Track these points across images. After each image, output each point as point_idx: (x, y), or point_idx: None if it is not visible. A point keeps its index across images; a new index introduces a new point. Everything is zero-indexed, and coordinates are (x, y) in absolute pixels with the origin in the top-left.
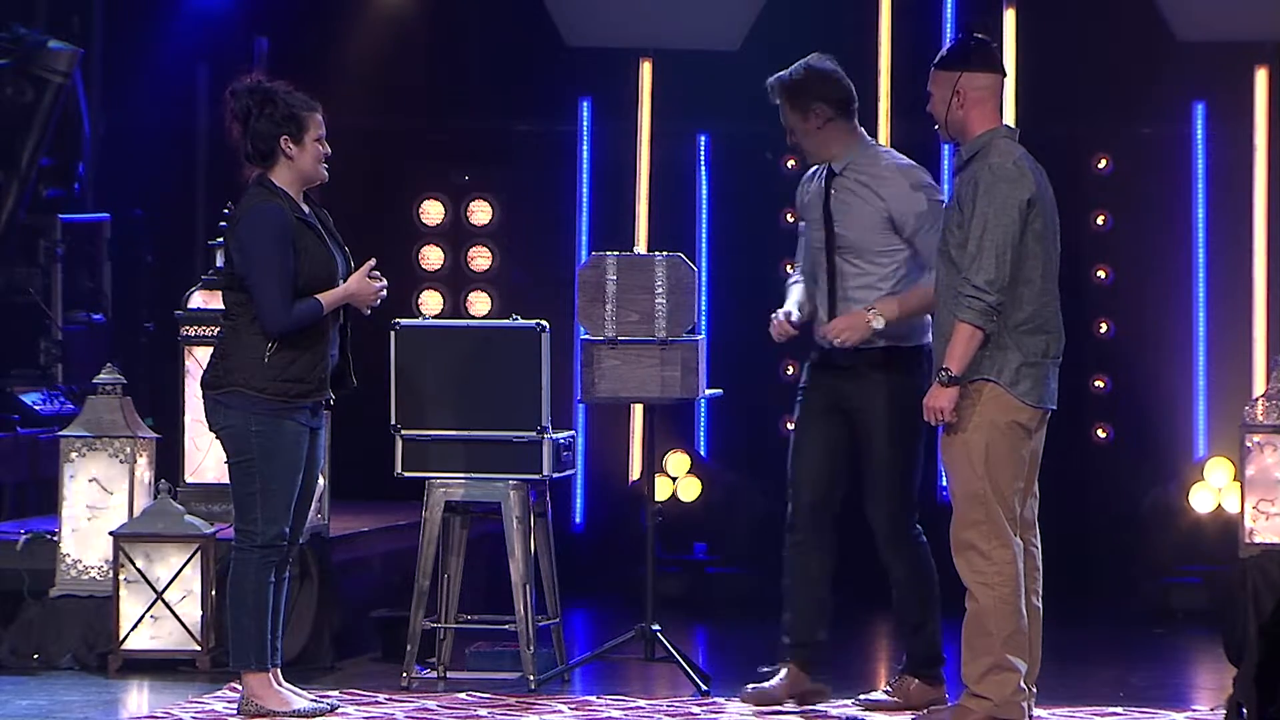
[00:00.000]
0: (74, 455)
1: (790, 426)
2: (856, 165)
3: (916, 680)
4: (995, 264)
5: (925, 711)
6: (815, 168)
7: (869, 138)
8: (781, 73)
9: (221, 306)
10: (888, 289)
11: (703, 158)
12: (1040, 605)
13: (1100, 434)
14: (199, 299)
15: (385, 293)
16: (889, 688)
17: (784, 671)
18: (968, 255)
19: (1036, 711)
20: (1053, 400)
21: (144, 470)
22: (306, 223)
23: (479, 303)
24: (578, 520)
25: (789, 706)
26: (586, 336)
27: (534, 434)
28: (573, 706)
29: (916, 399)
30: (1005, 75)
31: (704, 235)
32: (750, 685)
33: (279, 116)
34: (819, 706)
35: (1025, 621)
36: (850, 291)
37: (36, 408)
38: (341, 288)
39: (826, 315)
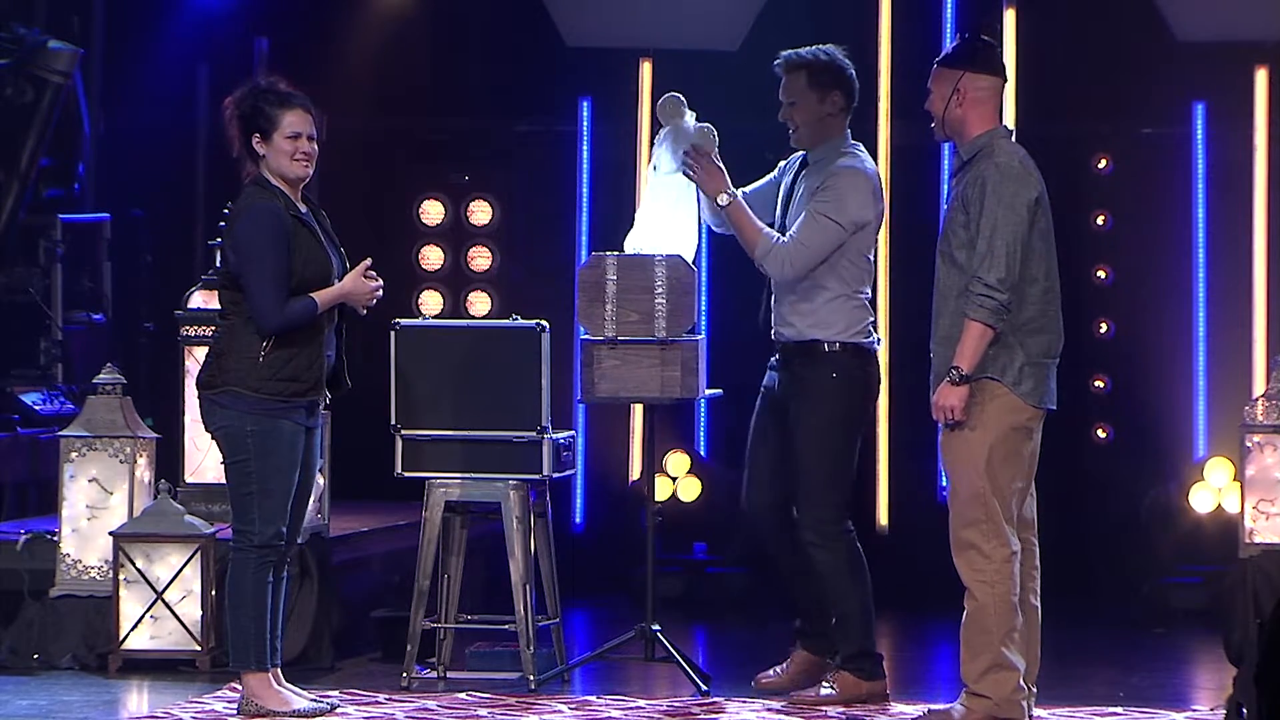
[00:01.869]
0: (74, 455)
1: None
2: (825, 163)
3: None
4: (1006, 262)
5: (926, 711)
6: (795, 156)
7: (853, 141)
8: (807, 49)
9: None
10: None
11: None
12: (1039, 605)
13: (1100, 434)
14: (199, 299)
15: (381, 292)
16: (827, 681)
17: (791, 659)
18: (978, 255)
19: (1036, 711)
20: (1053, 400)
21: (144, 470)
22: (302, 221)
23: (479, 303)
24: (578, 520)
25: (788, 706)
26: (586, 336)
27: (534, 434)
28: (573, 706)
29: (837, 392)
30: (1006, 80)
31: (704, 235)
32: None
33: (247, 114)
34: (820, 706)
35: (1021, 619)
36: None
37: (36, 408)
38: (337, 286)
39: (769, 302)
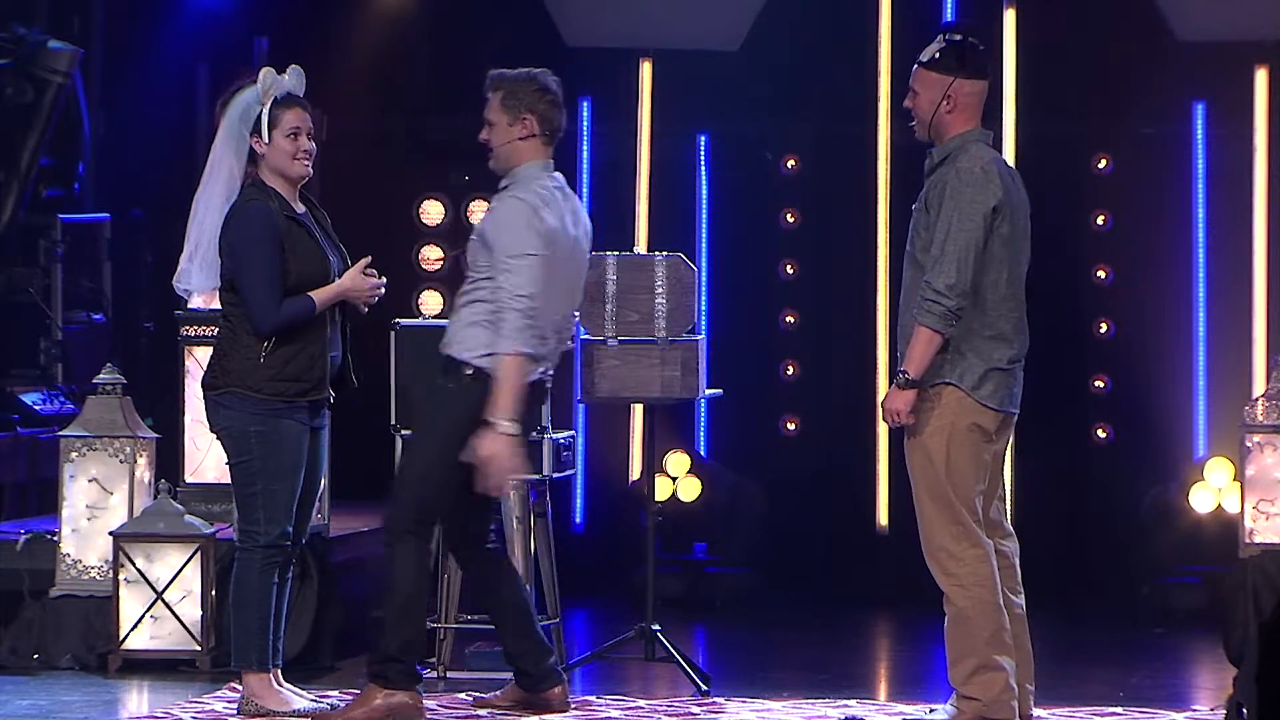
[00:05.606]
0: (74, 455)
1: (790, 426)
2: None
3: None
4: (956, 269)
5: (928, 710)
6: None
7: (555, 173)
8: (508, 70)
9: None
10: (483, 311)
11: (703, 158)
12: (1021, 602)
13: (1100, 434)
14: (199, 299)
15: (383, 290)
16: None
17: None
18: (930, 259)
19: (1036, 711)
20: (1015, 404)
21: (144, 470)
22: (298, 221)
23: None
24: (578, 520)
25: (784, 705)
26: (586, 336)
27: (534, 434)
28: (573, 706)
29: (451, 409)
30: (989, 79)
31: (704, 235)
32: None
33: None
34: (817, 705)
35: (1006, 619)
36: (460, 303)
37: (36, 408)
38: (335, 284)
39: None
